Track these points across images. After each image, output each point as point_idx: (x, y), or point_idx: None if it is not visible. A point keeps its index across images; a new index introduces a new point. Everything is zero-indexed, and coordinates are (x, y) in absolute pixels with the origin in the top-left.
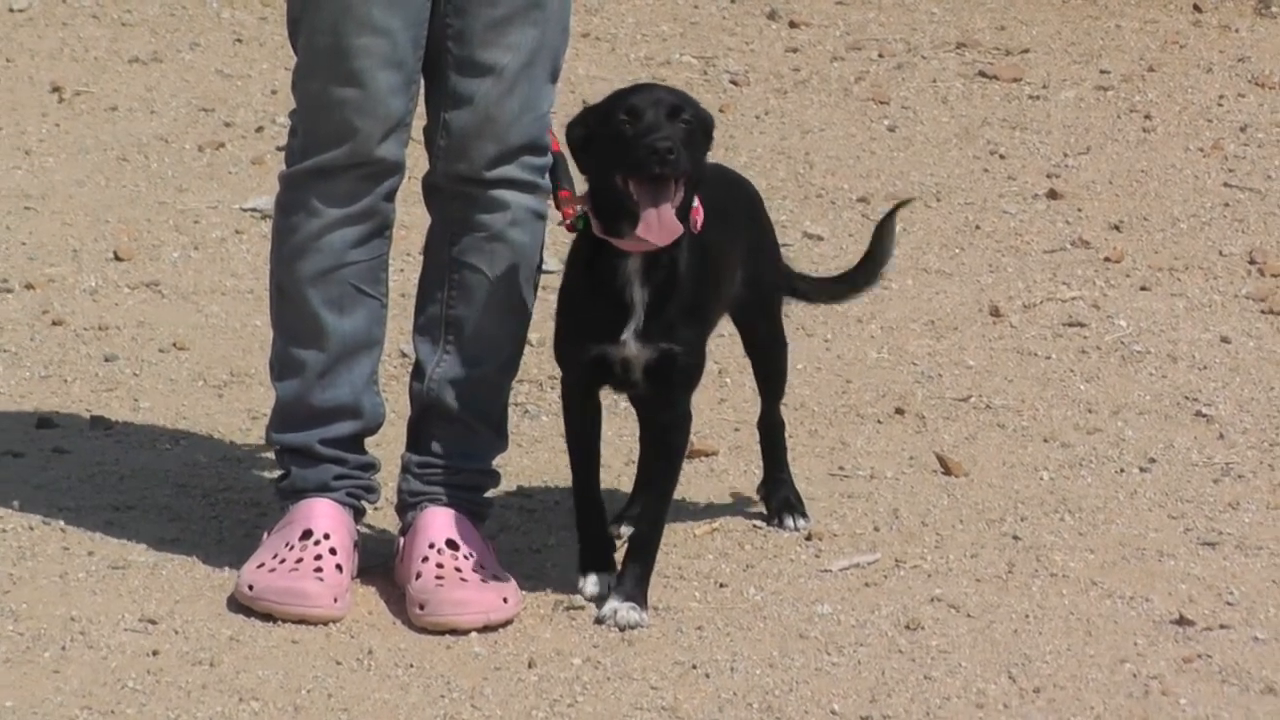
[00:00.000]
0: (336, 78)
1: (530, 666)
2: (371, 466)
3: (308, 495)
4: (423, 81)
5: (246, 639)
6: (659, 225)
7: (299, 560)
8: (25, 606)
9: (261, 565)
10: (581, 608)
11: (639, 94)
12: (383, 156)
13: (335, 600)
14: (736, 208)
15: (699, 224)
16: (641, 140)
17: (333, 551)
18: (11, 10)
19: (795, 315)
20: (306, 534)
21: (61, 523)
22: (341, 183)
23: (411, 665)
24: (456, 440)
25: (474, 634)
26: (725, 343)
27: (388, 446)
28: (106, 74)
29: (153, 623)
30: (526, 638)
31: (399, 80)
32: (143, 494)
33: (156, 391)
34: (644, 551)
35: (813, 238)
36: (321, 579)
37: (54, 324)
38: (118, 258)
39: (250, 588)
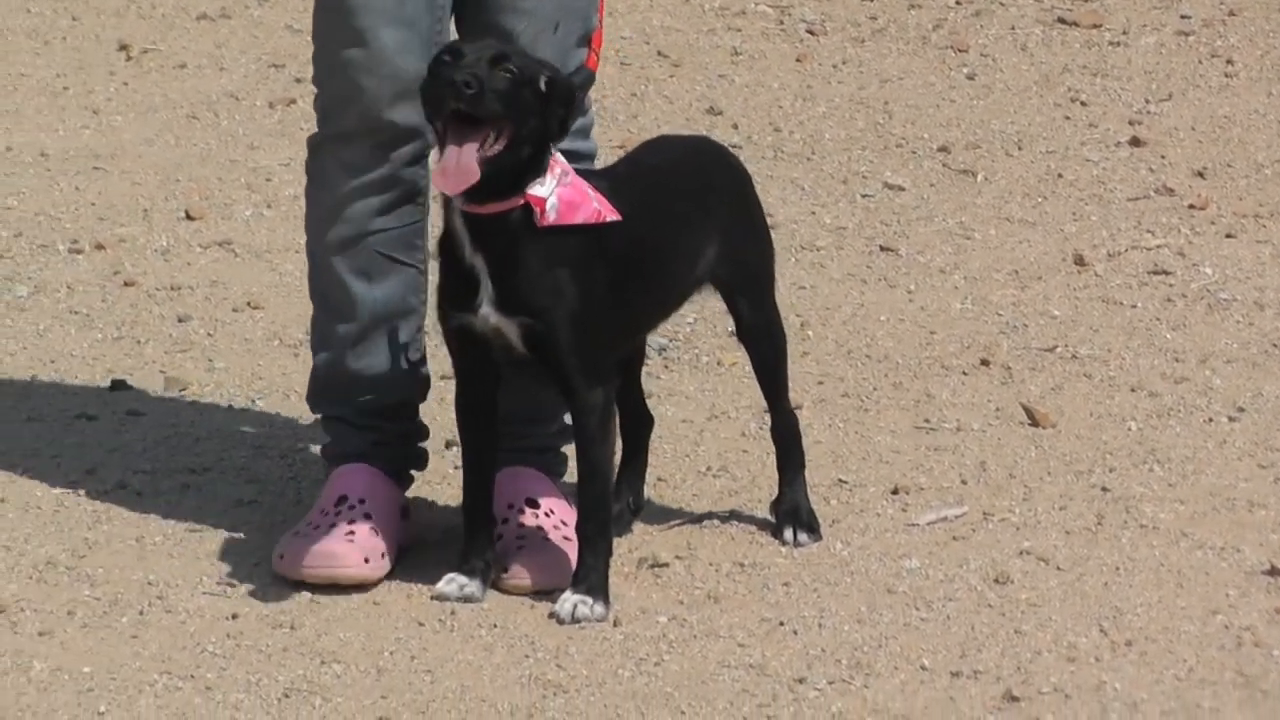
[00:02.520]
0: (342, 36)
1: (615, 625)
2: (413, 435)
3: (346, 461)
4: None
5: (327, 601)
6: (453, 169)
7: (332, 525)
8: (102, 571)
9: (295, 532)
10: (666, 565)
11: (468, 40)
12: (393, 120)
13: (366, 561)
14: (701, 181)
15: (546, 217)
16: (447, 75)
17: (367, 516)
18: None
19: (878, 266)
20: (342, 499)
21: (137, 486)
22: (356, 150)
23: (495, 625)
24: (521, 405)
25: (559, 593)
26: (807, 294)
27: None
28: (174, 31)
29: (231, 585)
30: (612, 597)
31: (408, 38)
32: (219, 456)
33: (231, 352)
34: (586, 546)
35: (894, 188)
36: (352, 540)
37: (126, 285)
38: (189, 217)
39: (282, 556)
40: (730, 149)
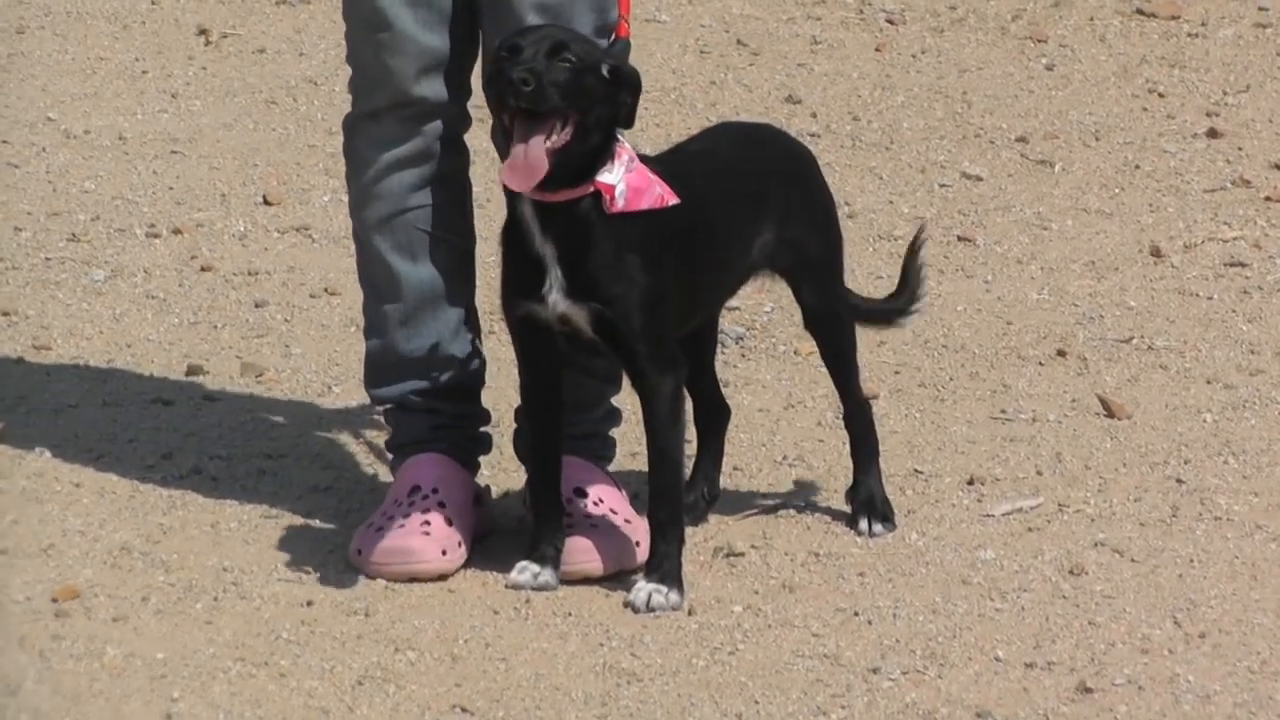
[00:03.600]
0: (365, 17)
1: (690, 614)
2: (474, 417)
3: (411, 450)
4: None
5: (402, 588)
6: (521, 165)
7: (406, 517)
8: (176, 557)
9: (370, 525)
10: (742, 554)
11: (526, 33)
12: (423, 95)
13: (444, 553)
14: (758, 166)
15: (615, 204)
16: (506, 73)
17: (441, 505)
18: None
19: (955, 256)
20: (414, 489)
21: (212, 471)
22: (387, 125)
23: (570, 614)
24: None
25: (633, 580)
26: (885, 283)
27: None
28: (254, 16)
29: (306, 572)
30: (686, 585)
31: (429, 16)
32: (295, 442)
33: (308, 338)
34: (659, 534)
35: (971, 178)
36: (428, 533)
37: (203, 270)
38: (266, 202)
39: (359, 552)
40: (795, 136)
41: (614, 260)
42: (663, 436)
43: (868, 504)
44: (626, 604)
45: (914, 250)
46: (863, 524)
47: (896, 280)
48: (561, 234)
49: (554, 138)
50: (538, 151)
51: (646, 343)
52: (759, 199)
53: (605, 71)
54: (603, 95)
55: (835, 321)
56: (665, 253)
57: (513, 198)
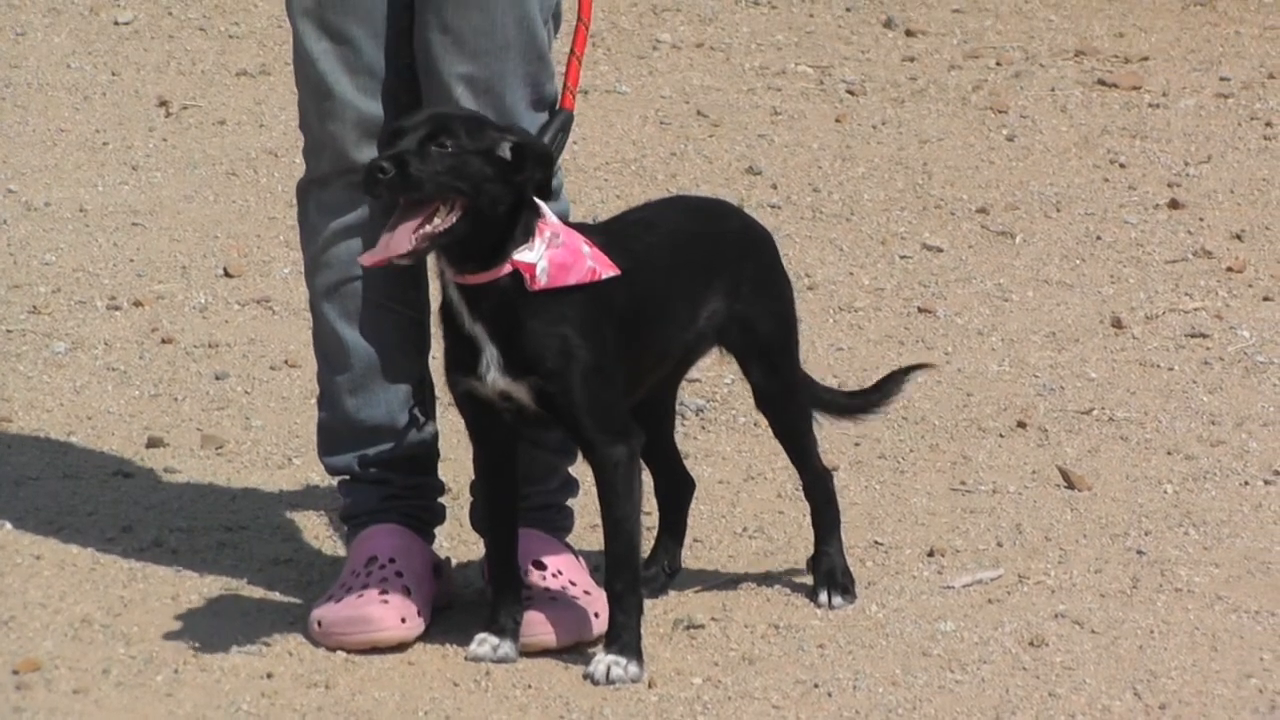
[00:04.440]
0: (311, 84)
1: (650, 687)
2: (427, 488)
3: (365, 521)
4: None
5: (362, 660)
6: (381, 246)
7: (365, 587)
8: (137, 629)
9: (329, 597)
10: (702, 626)
11: (413, 116)
12: (362, 161)
13: (403, 620)
14: (708, 239)
15: (537, 282)
16: (373, 160)
17: (399, 574)
18: (117, 23)
19: (915, 327)
20: (371, 560)
21: (173, 544)
22: (334, 192)
23: (530, 686)
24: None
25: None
26: (845, 355)
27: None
28: (214, 88)
29: (267, 644)
30: (645, 657)
31: (369, 84)
32: (255, 514)
33: (268, 410)
34: (617, 605)
35: (932, 249)
36: (387, 601)
37: (163, 342)
38: (227, 274)
39: (318, 624)
40: (755, 209)
41: (548, 335)
42: (617, 507)
43: (828, 576)
44: (586, 676)
45: (905, 372)
46: (823, 596)
47: (856, 352)
48: (490, 313)
49: (435, 222)
50: (401, 236)
51: (592, 415)
52: (707, 268)
53: (504, 151)
54: (494, 176)
55: (785, 401)
56: (604, 323)
57: (442, 279)
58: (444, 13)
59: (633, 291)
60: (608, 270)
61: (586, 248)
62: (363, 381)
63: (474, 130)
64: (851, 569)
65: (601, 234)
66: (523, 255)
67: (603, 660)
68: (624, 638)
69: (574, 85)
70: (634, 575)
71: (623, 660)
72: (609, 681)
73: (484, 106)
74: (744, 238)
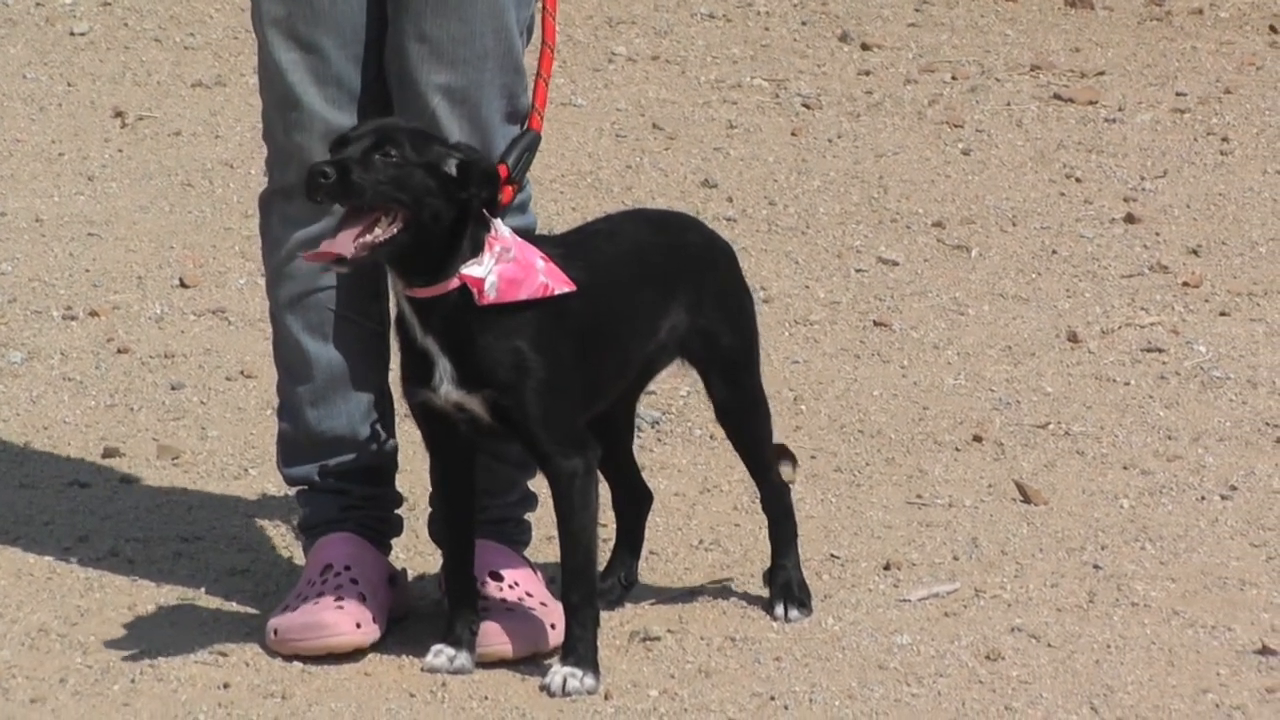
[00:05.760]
0: (278, 95)
1: (606, 698)
2: (385, 499)
3: (322, 530)
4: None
5: (319, 671)
6: (324, 247)
7: (320, 595)
8: (94, 639)
9: (284, 606)
10: (658, 638)
11: (362, 125)
12: None
13: (358, 626)
14: (667, 252)
15: (485, 297)
16: (316, 164)
17: (354, 582)
18: (72, 34)
19: (871, 341)
20: (327, 568)
21: (129, 554)
22: (299, 204)
23: (486, 697)
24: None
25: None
26: (800, 368)
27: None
28: (170, 98)
29: (223, 655)
30: (602, 669)
31: (338, 95)
32: (211, 524)
33: (224, 420)
34: (573, 617)
35: (887, 263)
36: (342, 608)
37: (119, 352)
38: (183, 284)
39: (275, 632)
40: (710, 226)
41: (501, 349)
42: (573, 520)
43: (785, 589)
44: (542, 688)
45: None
46: (779, 609)
47: (811, 366)
48: (441, 327)
49: (376, 232)
50: (342, 240)
51: (547, 427)
52: (668, 280)
53: (450, 167)
54: (437, 190)
55: (746, 414)
56: (560, 335)
57: (395, 291)
58: (422, 22)
59: (592, 304)
60: (561, 286)
61: (541, 262)
62: (324, 393)
63: (419, 143)
64: (808, 582)
65: (560, 246)
66: (471, 270)
67: (559, 672)
68: (580, 649)
69: (541, 107)
70: (590, 587)
71: (579, 672)
72: (565, 693)
73: (460, 117)
74: (705, 250)
